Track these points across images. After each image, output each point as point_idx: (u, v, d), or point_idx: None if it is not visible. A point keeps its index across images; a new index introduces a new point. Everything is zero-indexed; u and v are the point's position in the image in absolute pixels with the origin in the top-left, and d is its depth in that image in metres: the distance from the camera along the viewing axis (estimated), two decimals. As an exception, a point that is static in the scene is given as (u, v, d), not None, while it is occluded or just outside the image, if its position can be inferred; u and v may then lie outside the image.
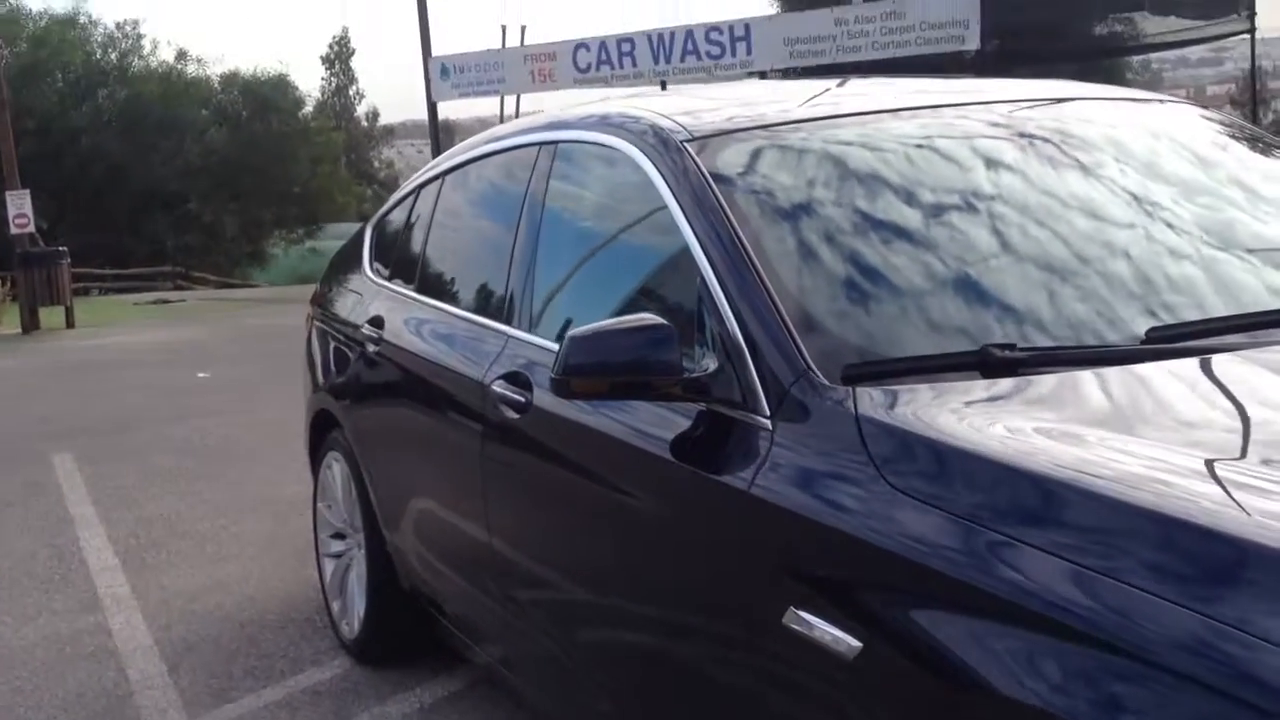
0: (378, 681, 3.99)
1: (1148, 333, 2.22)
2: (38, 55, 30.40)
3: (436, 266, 3.77)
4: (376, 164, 60.25)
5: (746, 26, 15.81)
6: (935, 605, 1.76)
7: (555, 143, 3.13)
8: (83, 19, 32.39)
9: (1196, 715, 1.43)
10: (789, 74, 21.59)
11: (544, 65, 17.90)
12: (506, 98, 22.03)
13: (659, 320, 2.26)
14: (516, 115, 22.47)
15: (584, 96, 17.19)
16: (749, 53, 15.68)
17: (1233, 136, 3.02)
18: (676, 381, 2.25)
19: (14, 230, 17.45)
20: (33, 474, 7.49)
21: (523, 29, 22.37)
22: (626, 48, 16.76)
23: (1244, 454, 1.82)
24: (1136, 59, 25.34)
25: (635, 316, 2.31)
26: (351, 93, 60.11)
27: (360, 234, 4.47)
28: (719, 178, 2.52)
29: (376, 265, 4.19)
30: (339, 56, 60.90)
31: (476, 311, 3.29)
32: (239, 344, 14.66)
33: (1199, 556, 1.53)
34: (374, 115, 61.56)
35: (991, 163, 2.63)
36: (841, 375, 2.11)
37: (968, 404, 2.00)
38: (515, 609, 3.03)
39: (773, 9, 25.13)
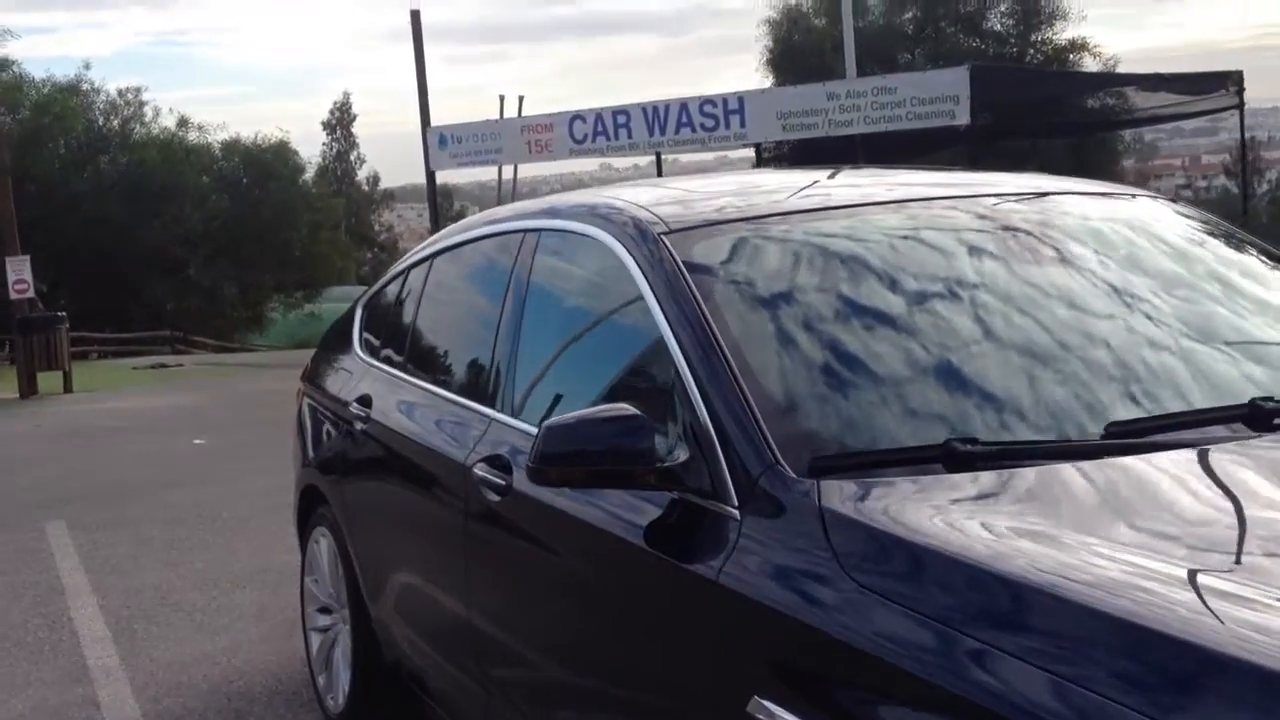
0: (362, 756, 4.01)
1: (1107, 427, 2.29)
2: (40, 122, 30.77)
3: (424, 347, 3.86)
4: (377, 227, 60.69)
5: (740, 100, 16.07)
6: (896, 703, 1.81)
7: (541, 230, 3.23)
8: (85, 86, 32.86)
9: None
10: (782, 146, 21.89)
11: (540, 136, 18.14)
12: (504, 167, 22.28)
13: (633, 411, 2.34)
14: (514, 182, 22.74)
15: (579, 166, 17.39)
16: (742, 125, 15.91)
17: (1199, 231, 3.11)
18: (649, 471, 2.32)
19: (14, 295, 17.57)
20: (25, 541, 7.53)
21: (520, 99, 22.62)
22: (622, 119, 16.99)
23: (1205, 553, 1.88)
24: (1128, 132, 25.67)
25: (610, 406, 2.39)
26: (353, 157, 60.78)
27: (351, 312, 4.56)
28: (693, 268, 2.61)
29: (366, 343, 4.27)
30: (340, 122, 61.64)
31: (462, 394, 3.37)
32: (234, 410, 14.70)
33: (1168, 666, 1.58)
34: (374, 179, 62.16)
35: (953, 259, 2.71)
36: (808, 467, 2.18)
37: (931, 499, 2.06)
38: (493, 687, 3.08)
39: (766, 83, 25.49)
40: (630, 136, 16.88)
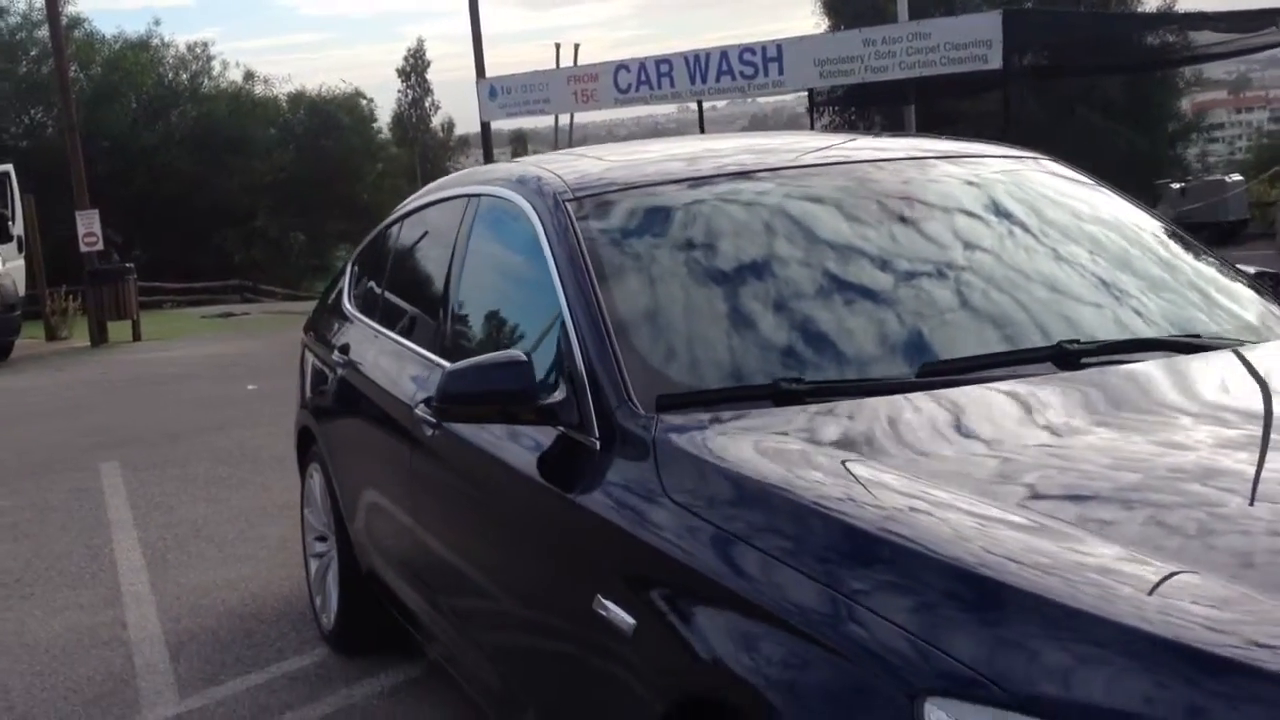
0: (349, 668, 4.47)
1: (921, 367, 2.63)
2: (111, 77, 31.56)
3: (391, 301, 4.26)
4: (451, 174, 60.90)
5: (779, 48, 16.23)
6: (697, 601, 2.18)
7: (480, 196, 3.60)
8: (155, 41, 33.63)
9: (838, 675, 1.84)
10: (835, 91, 21.88)
11: (586, 86, 18.44)
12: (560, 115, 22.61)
13: (519, 356, 2.71)
14: (570, 129, 23.08)
15: (625, 115, 17.52)
16: (780, 72, 16.08)
17: (1073, 193, 3.39)
18: (531, 408, 2.70)
19: (84, 248, 18.27)
20: (80, 480, 8.11)
21: (576, 47, 22.95)
22: (665, 69, 17.23)
23: (931, 471, 2.21)
24: (1189, 69, 25.31)
25: (501, 354, 2.77)
26: (427, 104, 60.94)
27: (344, 268, 4.97)
28: (585, 229, 2.96)
29: (353, 296, 4.68)
30: (414, 69, 61.79)
31: (416, 342, 3.77)
32: (290, 356, 15.13)
33: (862, 555, 1.95)
34: (449, 126, 62.42)
35: (806, 222, 3.03)
36: (655, 404, 2.54)
37: (750, 431, 2.41)
38: (434, 598, 3.50)
39: (820, 29, 25.47)
40: (673, 85, 17.13)
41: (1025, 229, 3.14)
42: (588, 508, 2.51)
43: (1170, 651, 1.64)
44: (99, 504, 7.41)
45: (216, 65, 34.67)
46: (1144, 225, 3.35)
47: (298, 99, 37.43)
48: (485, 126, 20.78)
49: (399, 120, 56.26)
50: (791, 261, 2.91)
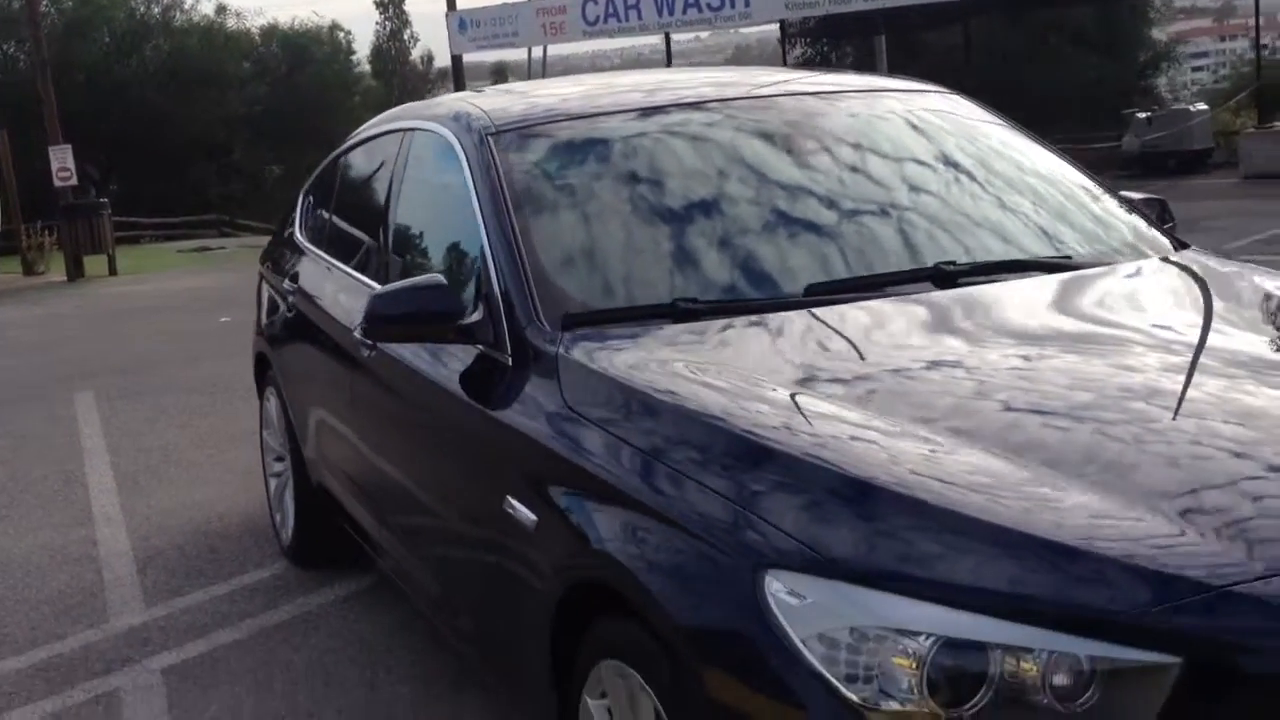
0: (305, 580, 4.74)
1: (807, 288, 2.87)
2: (83, 11, 31.39)
3: (336, 230, 4.48)
4: (430, 106, 60.33)
5: (745, -20, 16.33)
6: (578, 493, 2.44)
7: (414, 130, 3.81)
8: (126, -27, 33.43)
9: (698, 557, 2.10)
10: (808, 22, 21.90)
11: (555, 19, 18.51)
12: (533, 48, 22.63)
13: (438, 280, 2.95)
14: (544, 62, 23.09)
15: (609, 46, 17.58)
16: (747, 5, 16.18)
17: (971, 126, 3.62)
18: (450, 328, 2.94)
19: (57, 183, 18.37)
20: (56, 410, 8.35)
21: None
22: (632, 1, 17.31)
23: (811, 380, 2.47)
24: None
25: (423, 277, 3.01)
26: (406, 36, 60.26)
27: (294, 200, 5.18)
28: (505, 161, 3.19)
29: (303, 228, 4.90)
30: (392, 1, 61.09)
31: (357, 269, 4.00)
32: (265, 290, 15.45)
33: (732, 454, 2.20)
34: (428, 59, 61.85)
35: (708, 152, 3.27)
36: (561, 322, 2.78)
37: (644, 345, 2.66)
38: (380, 513, 3.76)
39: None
40: (640, 18, 17.23)
41: (918, 160, 3.38)
42: (499, 419, 2.76)
43: (978, 528, 1.91)
44: (73, 432, 7.65)
45: (188, -1, 34.58)
46: (1036, 158, 3.58)
47: (270, 32, 37.30)
48: (456, 59, 20.81)
49: (378, 53, 55.83)
50: (693, 190, 3.15)
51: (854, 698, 1.86)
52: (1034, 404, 2.34)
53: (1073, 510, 1.94)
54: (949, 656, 1.83)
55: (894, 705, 1.84)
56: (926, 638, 1.84)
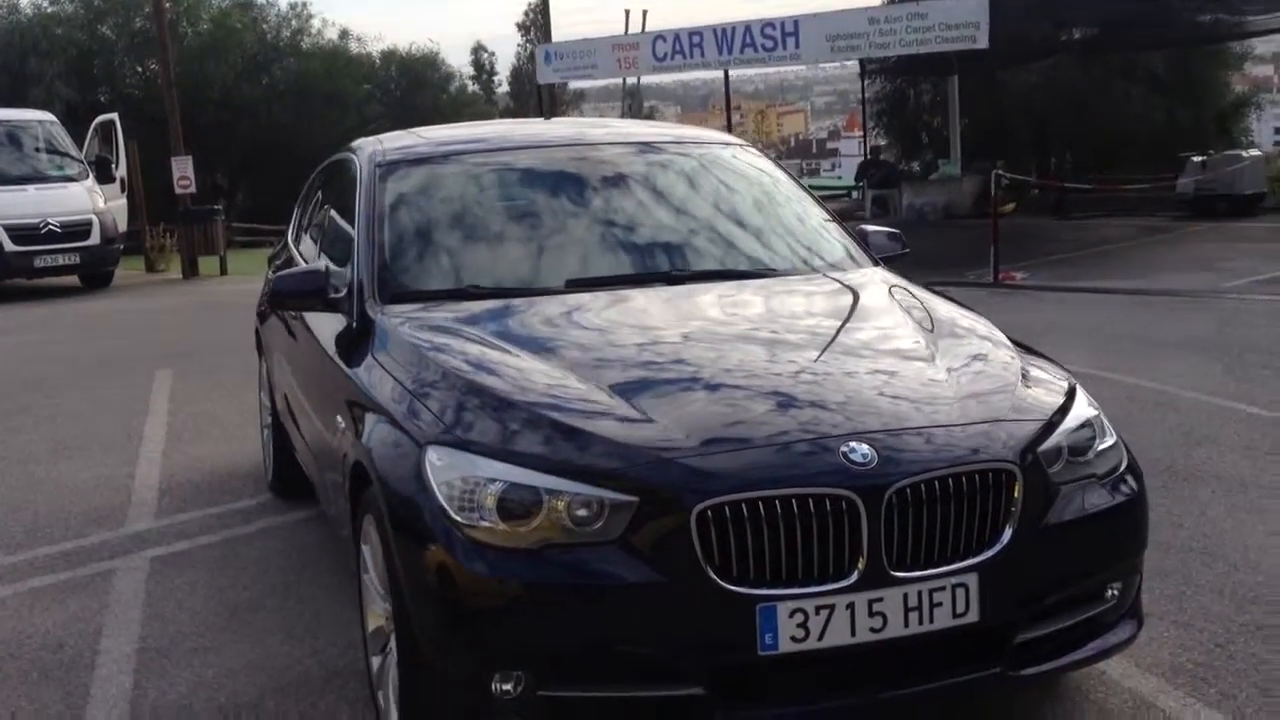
0: (280, 505, 6.10)
1: (566, 282, 4.10)
2: (218, 33, 33.88)
3: (298, 231, 5.86)
4: (563, 126, 62.00)
5: (795, 23, 17.53)
6: (362, 410, 3.69)
7: (346, 158, 5.13)
8: (259, 1, 36.06)
9: (400, 443, 3.34)
10: (887, 61, 22.87)
11: (628, 54, 19.93)
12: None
13: (317, 268, 4.28)
14: (638, 88, 24.52)
15: (688, 77, 18.59)
16: (797, 46, 17.39)
17: (741, 171, 4.81)
18: (322, 301, 4.25)
19: (178, 190, 20.26)
20: (137, 382, 9.90)
21: (644, 14, 24.38)
22: (696, 39, 18.67)
23: (547, 349, 3.69)
24: (1238, 44, 25.79)
25: (307, 265, 4.33)
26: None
27: (292, 210, 6.57)
28: (383, 185, 4.48)
29: (292, 229, 6.28)
30: (535, 23, 62.72)
31: (303, 259, 5.34)
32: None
33: (439, 380, 3.45)
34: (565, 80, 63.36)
35: (534, 183, 4.53)
36: (389, 299, 4.05)
37: (432, 317, 3.91)
38: (300, 435, 5.08)
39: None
40: (703, 55, 18.55)
41: (682, 197, 4.60)
42: (341, 365, 4.05)
43: (543, 422, 3.15)
44: (145, 399, 9.17)
45: (316, 23, 36.98)
46: (790, 198, 4.75)
47: (389, 56, 39.68)
48: (539, 88, 22.40)
49: (517, 74, 57.73)
50: (506, 209, 4.43)
51: (461, 520, 3.08)
52: (659, 355, 3.52)
53: (608, 417, 3.14)
54: (514, 495, 3.04)
55: (485, 524, 3.06)
56: (502, 484, 3.06)
